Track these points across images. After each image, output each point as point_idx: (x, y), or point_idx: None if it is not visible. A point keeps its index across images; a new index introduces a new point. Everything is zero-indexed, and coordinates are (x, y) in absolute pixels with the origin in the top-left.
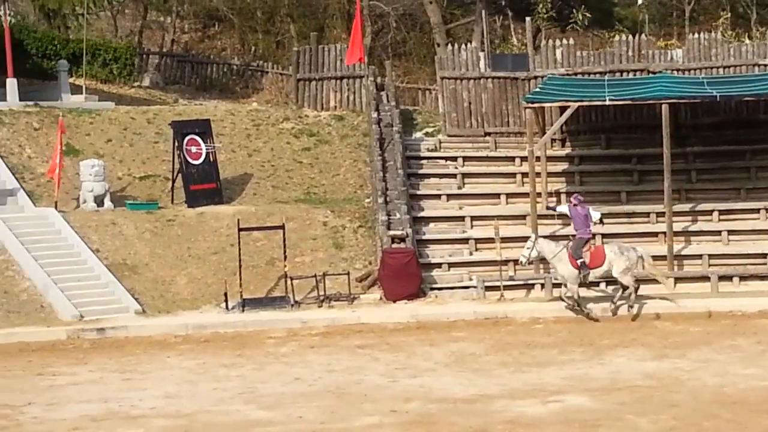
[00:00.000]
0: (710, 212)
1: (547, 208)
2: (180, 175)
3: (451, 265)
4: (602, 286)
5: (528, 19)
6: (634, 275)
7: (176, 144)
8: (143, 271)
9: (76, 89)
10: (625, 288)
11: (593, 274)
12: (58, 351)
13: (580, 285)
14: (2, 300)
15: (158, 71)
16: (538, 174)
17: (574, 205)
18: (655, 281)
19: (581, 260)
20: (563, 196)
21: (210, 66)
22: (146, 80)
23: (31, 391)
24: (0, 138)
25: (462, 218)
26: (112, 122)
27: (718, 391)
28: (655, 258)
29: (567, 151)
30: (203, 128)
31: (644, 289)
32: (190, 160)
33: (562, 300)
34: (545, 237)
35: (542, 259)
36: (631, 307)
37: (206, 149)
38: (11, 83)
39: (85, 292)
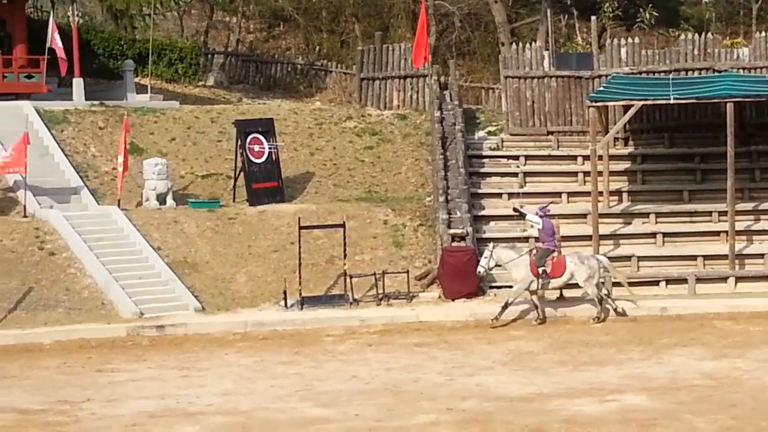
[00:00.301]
0: None
1: (514, 209)
2: (242, 173)
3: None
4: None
5: (593, 17)
6: (599, 284)
7: (239, 143)
8: (204, 268)
9: (141, 89)
10: (600, 299)
11: (554, 284)
12: (118, 348)
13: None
14: (64, 297)
15: (223, 71)
16: (600, 173)
17: (541, 216)
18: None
19: (543, 269)
20: (624, 195)
21: (274, 65)
22: (211, 80)
23: (91, 387)
24: (65, 137)
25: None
26: (176, 121)
27: None
28: (716, 257)
29: (629, 150)
30: (266, 127)
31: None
32: (252, 159)
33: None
34: (503, 245)
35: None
36: (598, 317)
37: (269, 148)
38: (78, 83)
39: (146, 289)
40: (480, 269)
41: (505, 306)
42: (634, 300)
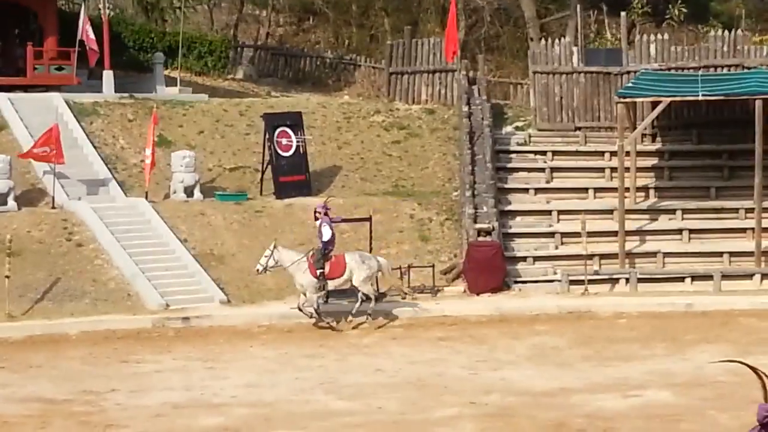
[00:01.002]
0: None
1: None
2: (270, 166)
3: (536, 258)
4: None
5: (623, 13)
6: (374, 284)
7: (267, 136)
8: (230, 261)
9: (170, 81)
10: (365, 298)
11: (333, 284)
12: (143, 339)
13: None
14: (90, 288)
15: (252, 64)
16: (627, 169)
17: (322, 214)
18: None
19: (321, 270)
20: (651, 192)
21: (303, 59)
22: (240, 73)
23: (116, 378)
24: (94, 129)
25: (549, 212)
26: (205, 114)
27: None
28: (742, 254)
29: (657, 146)
30: (294, 120)
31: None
32: (280, 152)
33: (300, 310)
34: (285, 247)
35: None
36: (369, 314)
37: (297, 141)
38: (108, 75)
39: (172, 281)
40: (258, 266)
41: (317, 314)
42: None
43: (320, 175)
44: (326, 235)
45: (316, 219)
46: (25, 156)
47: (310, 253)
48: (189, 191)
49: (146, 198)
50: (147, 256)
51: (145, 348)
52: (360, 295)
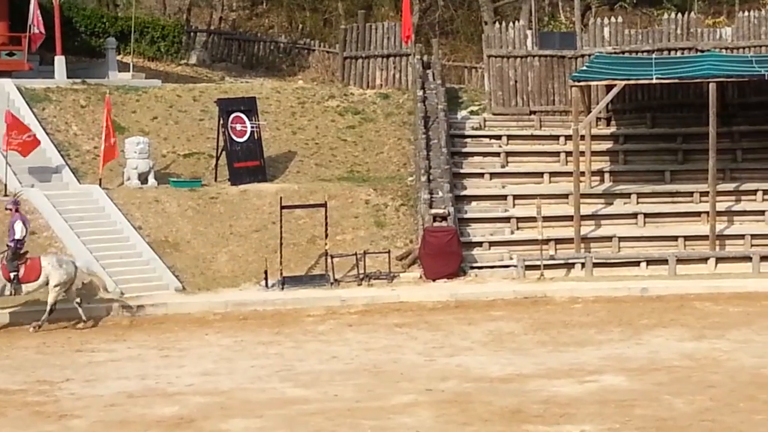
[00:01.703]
0: (754, 192)
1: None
2: (224, 152)
3: (492, 244)
4: None
5: None
6: (74, 289)
7: (221, 122)
8: (184, 248)
9: (123, 67)
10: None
11: (27, 288)
12: (98, 327)
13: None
14: None
15: (205, 49)
16: (582, 153)
17: (13, 211)
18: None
19: (14, 273)
20: (606, 175)
21: (257, 44)
22: (193, 58)
23: (70, 367)
24: (47, 115)
25: (504, 197)
26: (158, 100)
27: (757, 372)
28: (697, 238)
29: (612, 130)
30: (249, 106)
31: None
32: (234, 138)
33: None
34: None
35: None
36: (40, 324)
37: (251, 127)
38: (59, 61)
39: (127, 269)
40: None
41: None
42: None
43: (275, 161)
44: (18, 232)
45: (11, 210)
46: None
47: (5, 252)
48: (143, 178)
49: (100, 185)
50: (101, 243)
51: (100, 337)
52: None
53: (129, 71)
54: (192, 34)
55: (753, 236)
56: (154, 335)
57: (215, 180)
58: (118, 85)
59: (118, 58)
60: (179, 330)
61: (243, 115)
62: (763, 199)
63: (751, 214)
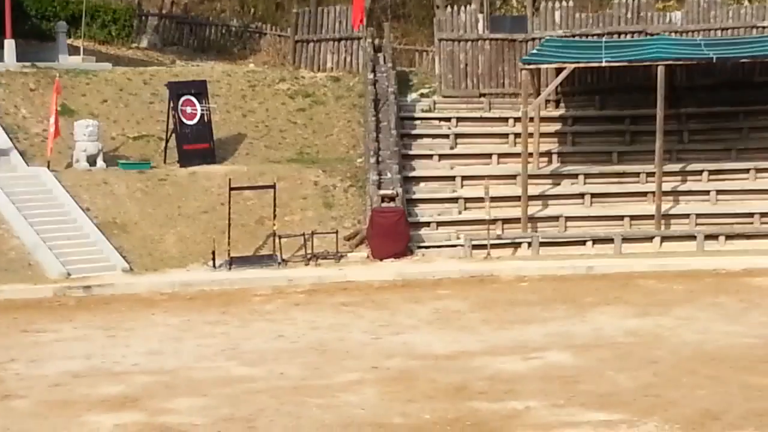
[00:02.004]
0: (700, 172)
1: None
2: (174, 135)
3: (439, 224)
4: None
5: None
6: None
7: (171, 104)
8: (132, 229)
9: (73, 50)
10: None
11: None
12: (44, 308)
13: None
14: None
15: (156, 33)
16: (530, 134)
17: None
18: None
19: None
20: (554, 157)
21: (208, 27)
22: (144, 42)
23: (15, 348)
24: None
25: (453, 178)
26: (109, 83)
27: (699, 348)
28: (643, 217)
29: (561, 112)
30: (199, 89)
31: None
32: (184, 121)
33: None
34: None
35: None
36: None
37: (201, 110)
38: (9, 44)
39: (74, 250)
40: None
41: None
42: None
43: (225, 143)
44: None
45: None
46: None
47: None
48: (92, 160)
49: (48, 167)
50: (49, 225)
51: (46, 317)
52: None
53: (79, 55)
54: (143, 17)
55: (698, 215)
56: (100, 315)
57: (164, 162)
58: (68, 68)
59: (69, 41)
60: (126, 310)
61: (193, 98)
62: (709, 180)
63: (696, 194)
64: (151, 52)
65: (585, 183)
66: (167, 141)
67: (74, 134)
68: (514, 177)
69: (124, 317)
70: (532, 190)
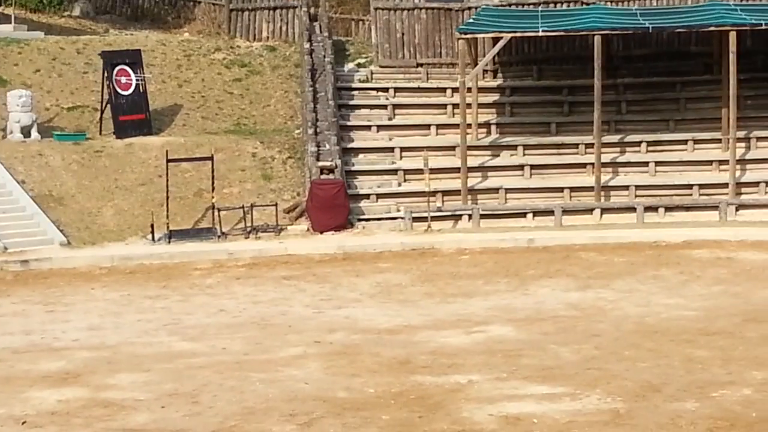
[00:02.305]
0: (638, 143)
1: None
2: (109, 105)
3: (379, 196)
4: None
5: None
6: None
7: (106, 74)
8: (69, 202)
9: (4, 18)
10: None
11: None
12: None
13: None
14: None
15: (89, 1)
16: (469, 105)
17: None
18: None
19: None
20: (493, 128)
21: None
22: (77, 10)
23: None
24: None
25: (391, 149)
26: (41, 52)
27: (640, 321)
28: (583, 189)
29: (498, 82)
30: (134, 59)
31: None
32: (119, 91)
33: None
34: None
35: None
36: None
37: (136, 80)
38: None
39: (10, 224)
40: None
41: None
42: None
43: (161, 114)
44: None
45: None
46: None
47: None
48: (26, 131)
49: None
50: None
51: None
52: None
53: (10, 23)
54: None
55: (637, 187)
56: (38, 290)
57: (100, 133)
58: None
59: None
60: (64, 285)
61: (128, 68)
62: (647, 151)
63: (635, 166)
64: (83, 21)
65: (524, 154)
66: (102, 112)
67: (7, 105)
68: (453, 148)
69: (63, 292)
70: (472, 162)
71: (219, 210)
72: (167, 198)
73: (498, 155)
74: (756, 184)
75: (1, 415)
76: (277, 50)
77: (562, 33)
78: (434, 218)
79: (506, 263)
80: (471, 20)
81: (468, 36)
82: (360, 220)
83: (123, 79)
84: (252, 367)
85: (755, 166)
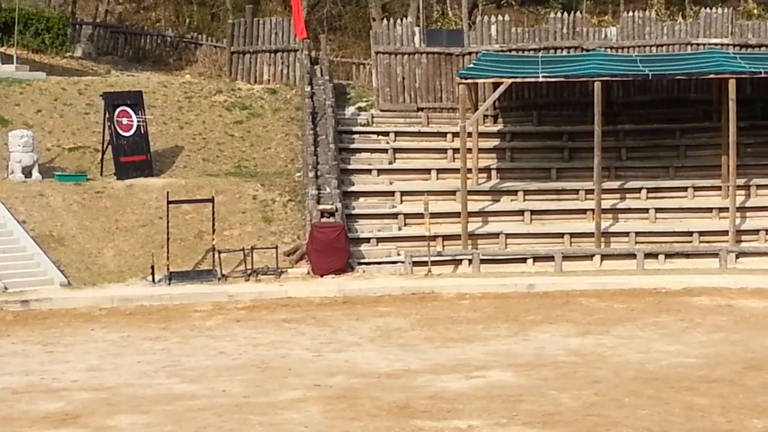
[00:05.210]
0: (638, 190)
1: None
2: (110, 146)
3: (379, 240)
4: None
5: None
6: None
7: (107, 115)
8: (70, 243)
9: (7, 59)
10: None
11: None
12: None
13: None
14: None
15: (91, 42)
16: (469, 150)
17: None
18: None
19: None
20: (493, 172)
21: (144, 37)
22: (78, 51)
23: None
24: None
25: (392, 193)
26: (43, 93)
27: (640, 367)
28: (583, 235)
29: (499, 127)
30: (135, 100)
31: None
32: (120, 132)
33: None
34: None
35: None
36: None
37: (137, 121)
38: None
39: (10, 263)
40: None
41: None
42: None
43: (162, 156)
44: None
45: None
46: None
47: None
48: (27, 171)
49: None
50: None
51: None
52: None
53: (12, 63)
54: (77, 26)
55: (637, 233)
56: (38, 330)
57: (101, 174)
58: (1, 77)
59: (1, 50)
60: (64, 325)
61: (129, 109)
62: (647, 197)
63: (635, 212)
64: (85, 62)
65: (524, 200)
66: (103, 153)
67: (9, 145)
68: (453, 193)
69: (62, 332)
70: (472, 206)
71: (219, 252)
72: (168, 239)
73: (498, 200)
74: (756, 231)
75: None
76: (278, 93)
77: (562, 79)
78: (434, 263)
79: (506, 308)
80: (471, 65)
81: (468, 81)
82: (360, 263)
83: (124, 120)
84: (252, 410)
85: (755, 213)
